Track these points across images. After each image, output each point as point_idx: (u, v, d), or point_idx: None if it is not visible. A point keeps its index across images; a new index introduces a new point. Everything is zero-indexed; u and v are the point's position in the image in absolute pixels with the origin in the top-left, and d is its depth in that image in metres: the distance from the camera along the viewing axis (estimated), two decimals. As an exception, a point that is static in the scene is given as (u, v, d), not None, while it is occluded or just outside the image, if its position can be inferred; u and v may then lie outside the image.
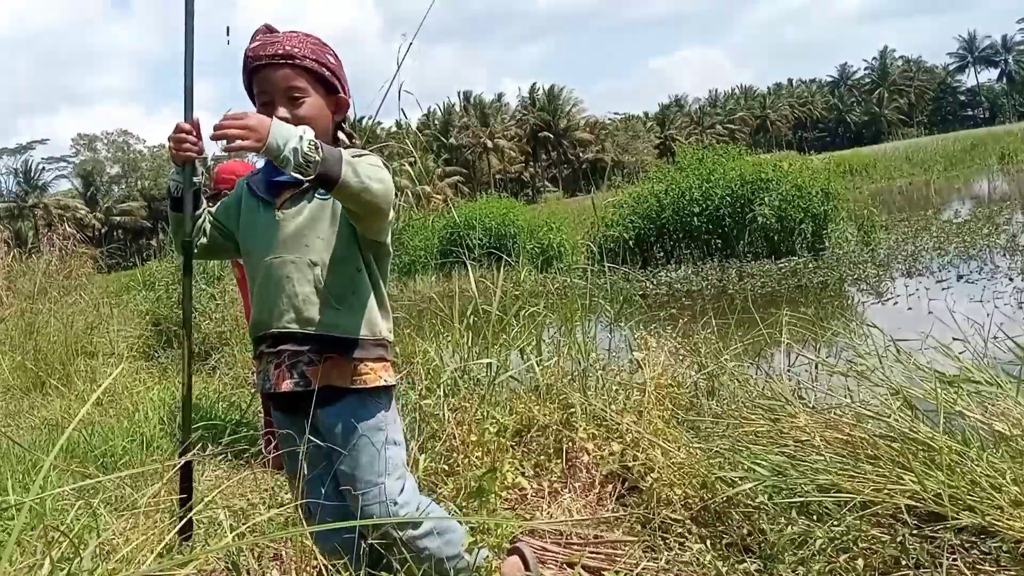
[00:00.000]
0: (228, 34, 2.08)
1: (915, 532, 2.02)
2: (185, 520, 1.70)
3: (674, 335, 4.04)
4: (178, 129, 1.81)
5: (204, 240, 1.94)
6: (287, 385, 1.77)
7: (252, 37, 1.85)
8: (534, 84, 77.41)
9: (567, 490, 2.79)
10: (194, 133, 1.84)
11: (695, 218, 11.80)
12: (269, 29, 1.86)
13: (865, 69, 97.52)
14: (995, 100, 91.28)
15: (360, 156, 1.74)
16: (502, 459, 2.78)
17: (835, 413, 2.68)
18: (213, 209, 2.00)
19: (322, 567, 1.82)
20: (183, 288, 2.00)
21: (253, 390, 1.75)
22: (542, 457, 2.97)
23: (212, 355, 6.61)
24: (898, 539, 1.99)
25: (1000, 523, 1.92)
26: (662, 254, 12.31)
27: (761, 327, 3.89)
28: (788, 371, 3.66)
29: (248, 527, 2.29)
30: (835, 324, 6.86)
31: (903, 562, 1.95)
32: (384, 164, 1.76)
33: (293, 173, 1.60)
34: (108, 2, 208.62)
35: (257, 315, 1.84)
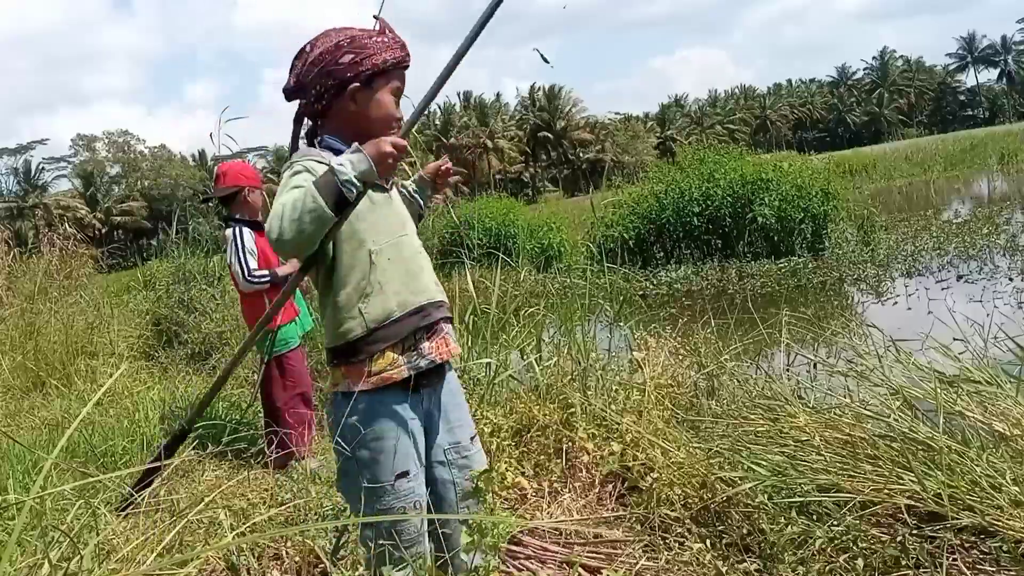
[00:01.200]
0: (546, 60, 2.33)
1: (915, 532, 2.02)
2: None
3: (674, 335, 4.04)
4: (401, 148, 1.73)
5: None
6: (455, 348, 1.88)
7: (382, 30, 1.84)
8: (534, 84, 77.47)
9: (567, 490, 2.79)
10: None
11: (695, 218, 11.79)
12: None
13: (865, 69, 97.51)
14: (995, 100, 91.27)
15: None
16: (500, 459, 2.78)
17: (835, 413, 2.68)
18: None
19: (322, 567, 1.82)
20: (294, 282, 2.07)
21: (390, 378, 1.75)
22: (542, 457, 2.97)
23: (212, 355, 6.61)
24: (898, 539, 1.99)
25: (1000, 523, 1.92)
26: (662, 254, 12.30)
27: (761, 327, 3.89)
28: (787, 371, 3.66)
29: (248, 526, 2.29)
30: (835, 324, 6.87)
31: (903, 562, 1.95)
32: None
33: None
34: (110, 2, 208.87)
35: (395, 294, 1.78)
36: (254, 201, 3.97)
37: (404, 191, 2.03)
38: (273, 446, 3.49)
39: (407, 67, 1.86)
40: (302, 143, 1.91)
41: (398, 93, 1.86)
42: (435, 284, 1.88)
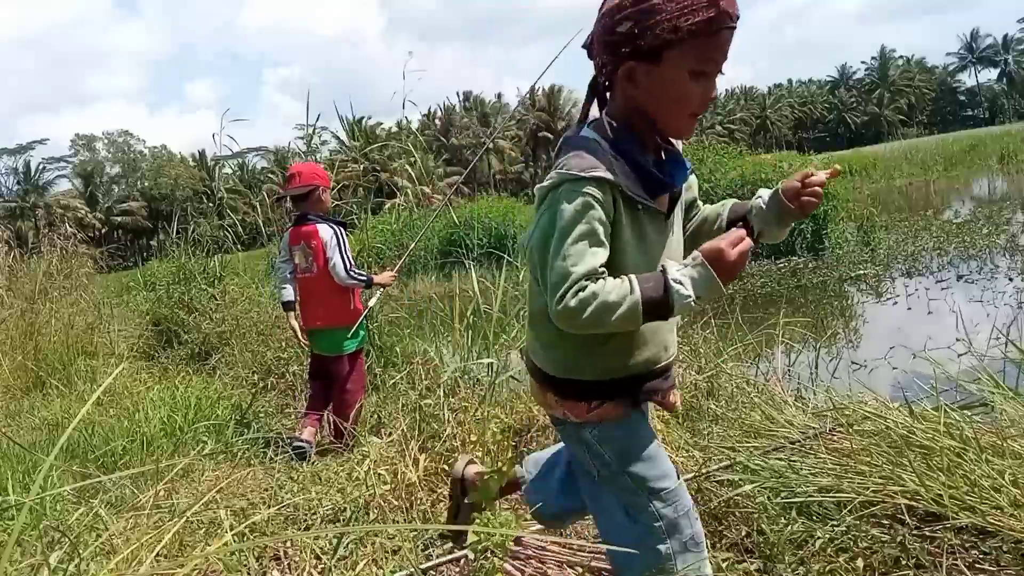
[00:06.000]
0: None
1: (915, 532, 2.02)
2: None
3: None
4: (748, 252, 1.39)
5: None
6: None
7: None
8: (534, 84, 77.44)
9: (567, 490, 2.79)
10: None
11: (695, 218, 11.80)
12: None
13: (865, 69, 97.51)
14: (995, 100, 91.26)
15: None
16: (500, 459, 2.78)
17: (834, 413, 2.68)
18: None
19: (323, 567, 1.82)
20: None
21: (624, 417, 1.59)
22: (542, 457, 2.97)
23: (212, 355, 6.61)
24: (898, 539, 1.99)
25: (1000, 523, 1.92)
26: (662, 254, 12.30)
27: (761, 327, 3.88)
28: (788, 371, 3.66)
29: (247, 525, 2.29)
30: (835, 324, 6.87)
31: (903, 562, 1.95)
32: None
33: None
34: (113, 2, 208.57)
35: (640, 349, 1.52)
36: (326, 200, 4.21)
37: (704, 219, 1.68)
38: (344, 437, 3.70)
39: (720, 32, 1.35)
40: (589, 130, 1.49)
41: (704, 72, 1.38)
42: (673, 342, 1.61)
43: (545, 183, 1.43)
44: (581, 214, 1.35)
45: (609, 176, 1.37)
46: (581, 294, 1.33)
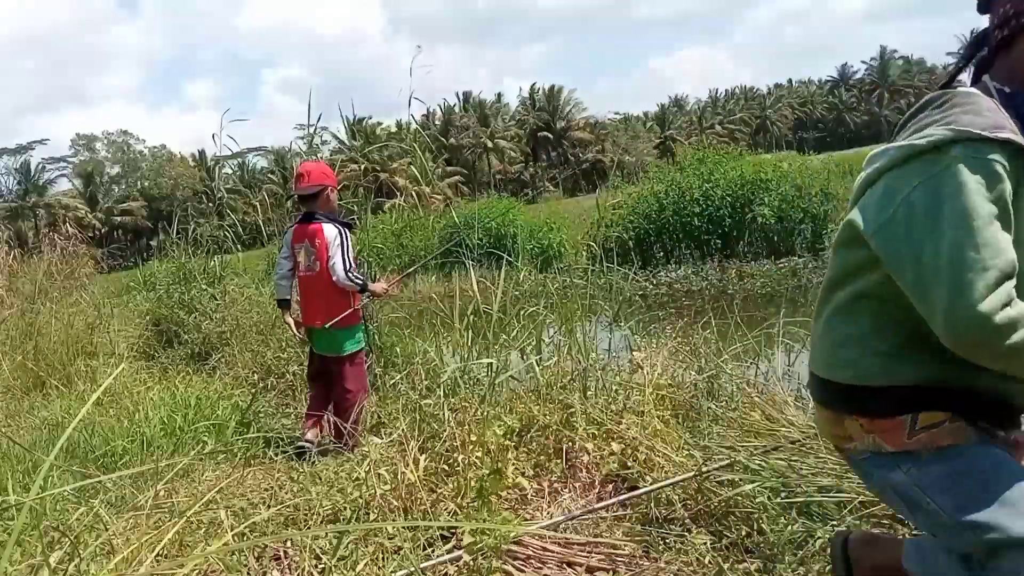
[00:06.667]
0: None
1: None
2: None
3: (673, 335, 4.04)
4: None
5: None
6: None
7: None
8: (534, 84, 77.54)
9: (567, 490, 2.79)
10: None
11: (695, 218, 11.80)
12: None
13: (865, 69, 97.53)
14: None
15: None
16: (503, 460, 2.78)
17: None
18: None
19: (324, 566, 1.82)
20: None
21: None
22: (542, 457, 2.97)
23: (212, 355, 6.60)
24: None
25: (1000, 523, 1.92)
26: (662, 254, 12.31)
27: (761, 327, 3.88)
28: (788, 371, 3.66)
29: (247, 525, 2.29)
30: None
31: (903, 562, 1.95)
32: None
33: None
34: (113, 2, 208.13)
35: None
36: (334, 200, 4.23)
37: None
38: (345, 438, 3.69)
39: None
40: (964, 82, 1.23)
41: None
42: None
43: (920, 140, 1.09)
44: (990, 189, 1.03)
45: (1021, 141, 1.06)
46: (1010, 311, 0.99)
